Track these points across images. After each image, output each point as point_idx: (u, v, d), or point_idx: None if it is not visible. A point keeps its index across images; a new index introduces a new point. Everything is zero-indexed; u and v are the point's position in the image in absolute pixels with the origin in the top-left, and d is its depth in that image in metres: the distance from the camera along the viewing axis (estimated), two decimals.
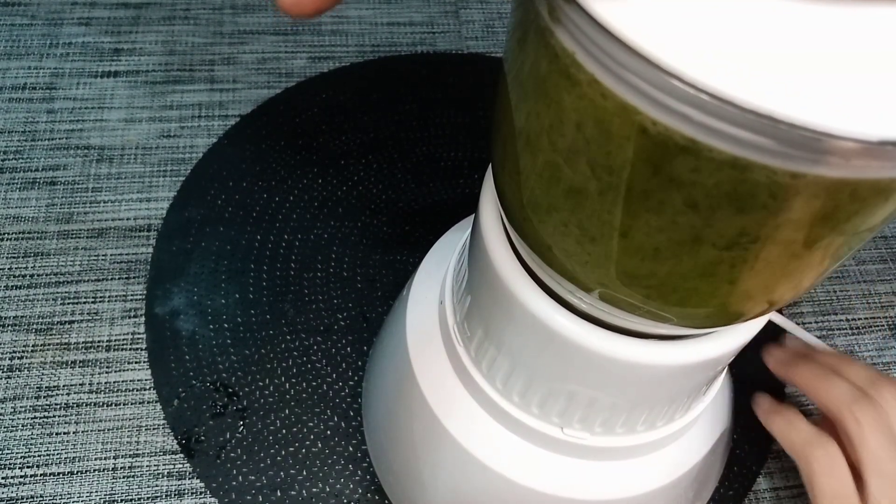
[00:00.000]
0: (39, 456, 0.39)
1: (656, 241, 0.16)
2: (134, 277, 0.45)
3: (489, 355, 0.26)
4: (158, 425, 0.40)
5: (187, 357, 0.42)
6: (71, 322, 0.43)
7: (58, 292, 0.44)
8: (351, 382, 0.42)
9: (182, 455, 0.39)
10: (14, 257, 0.45)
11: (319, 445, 0.40)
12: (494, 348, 0.25)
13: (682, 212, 0.15)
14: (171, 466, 0.39)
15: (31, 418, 0.40)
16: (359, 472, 0.40)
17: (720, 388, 0.29)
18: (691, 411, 0.27)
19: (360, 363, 0.43)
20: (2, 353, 0.42)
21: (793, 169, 0.13)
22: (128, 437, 0.40)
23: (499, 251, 0.23)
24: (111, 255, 0.46)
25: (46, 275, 0.44)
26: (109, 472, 0.39)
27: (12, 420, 0.40)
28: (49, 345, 0.42)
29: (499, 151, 0.20)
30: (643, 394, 0.24)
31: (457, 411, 0.28)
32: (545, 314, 0.22)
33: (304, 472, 0.39)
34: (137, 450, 0.39)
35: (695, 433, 0.28)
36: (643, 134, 0.13)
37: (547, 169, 0.17)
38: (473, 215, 0.27)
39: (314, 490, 0.39)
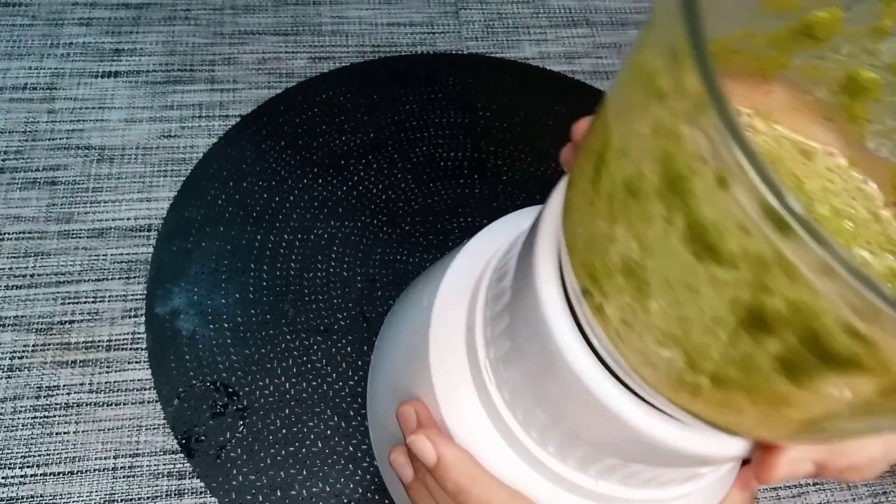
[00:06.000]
0: (39, 456, 0.39)
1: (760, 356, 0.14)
2: (134, 277, 0.45)
3: (526, 405, 0.24)
4: (158, 425, 0.40)
5: (187, 357, 0.42)
6: (71, 322, 0.43)
7: (58, 292, 0.44)
8: (351, 382, 0.42)
9: (182, 455, 0.39)
10: (14, 257, 0.45)
11: (319, 445, 0.40)
12: (533, 402, 0.24)
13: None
14: (171, 466, 0.39)
15: (31, 418, 0.40)
16: (359, 472, 0.40)
17: None
18: (727, 465, 0.26)
19: (360, 363, 0.43)
20: (2, 353, 0.42)
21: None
22: (128, 436, 0.40)
23: (561, 329, 0.21)
24: (111, 255, 0.46)
25: (47, 275, 0.44)
26: (109, 472, 0.39)
27: (12, 420, 0.40)
28: (49, 345, 0.42)
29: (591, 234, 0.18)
30: (693, 468, 0.23)
31: (483, 446, 0.27)
32: (614, 403, 0.20)
33: (304, 472, 0.39)
34: (137, 450, 0.39)
35: (725, 475, 0.28)
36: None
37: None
38: (511, 244, 0.25)
39: (314, 490, 0.39)
